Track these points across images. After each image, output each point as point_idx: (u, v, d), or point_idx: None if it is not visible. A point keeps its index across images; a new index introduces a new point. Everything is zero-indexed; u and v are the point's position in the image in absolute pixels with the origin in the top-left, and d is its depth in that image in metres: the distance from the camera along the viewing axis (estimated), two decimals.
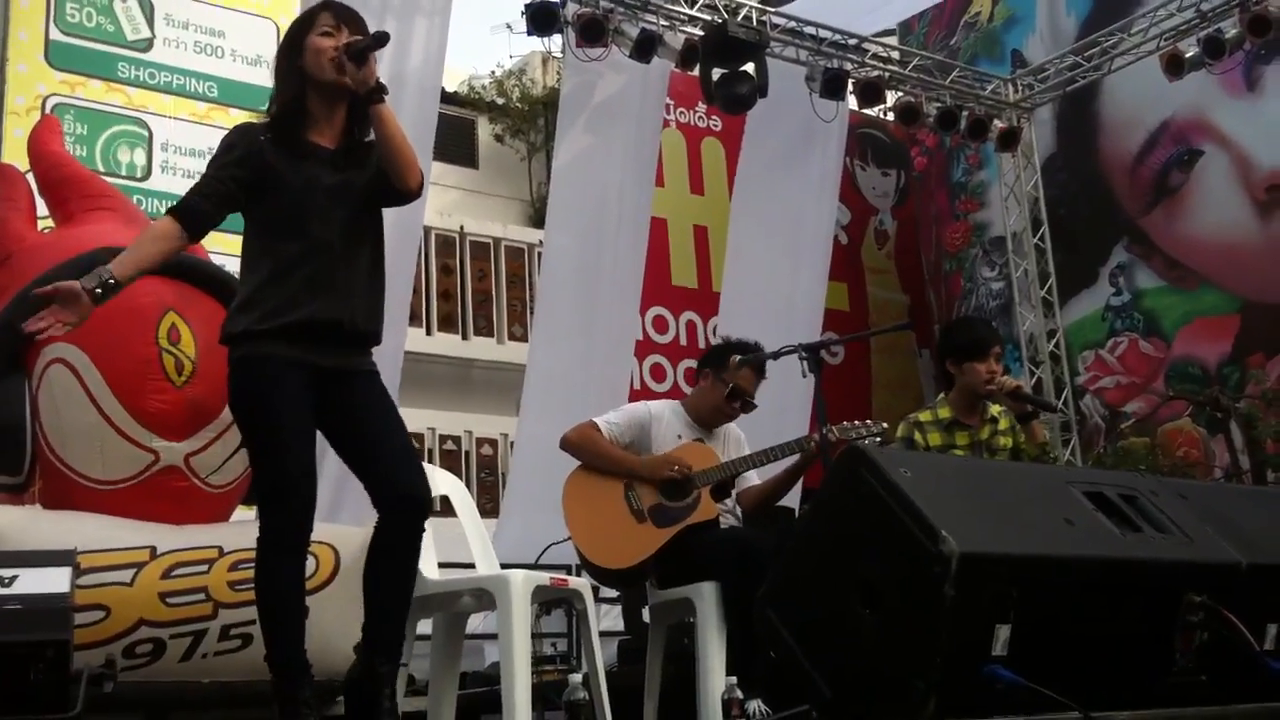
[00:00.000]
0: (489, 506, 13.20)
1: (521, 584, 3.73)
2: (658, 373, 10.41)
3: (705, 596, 4.16)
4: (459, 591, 3.94)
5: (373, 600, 3.33)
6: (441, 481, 4.40)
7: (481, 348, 13.97)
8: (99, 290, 3.15)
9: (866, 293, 12.51)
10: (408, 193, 3.37)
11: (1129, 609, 2.24)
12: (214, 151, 3.40)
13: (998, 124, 9.52)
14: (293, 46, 3.39)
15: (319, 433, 3.36)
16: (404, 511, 3.30)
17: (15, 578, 3.18)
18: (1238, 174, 10.36)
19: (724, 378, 4.68)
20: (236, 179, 3.30)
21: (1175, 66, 8.57)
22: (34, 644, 3.07)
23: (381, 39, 3.35)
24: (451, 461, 12.61)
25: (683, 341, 10.81)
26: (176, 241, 3.35)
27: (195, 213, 3.33)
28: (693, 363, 10.71)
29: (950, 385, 4.96)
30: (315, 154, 3.34)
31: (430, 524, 3.53)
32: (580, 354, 8.03)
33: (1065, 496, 2.36)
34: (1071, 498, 2.36)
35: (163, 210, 9.14)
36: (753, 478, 4.73)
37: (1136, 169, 11.04)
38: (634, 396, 8.56)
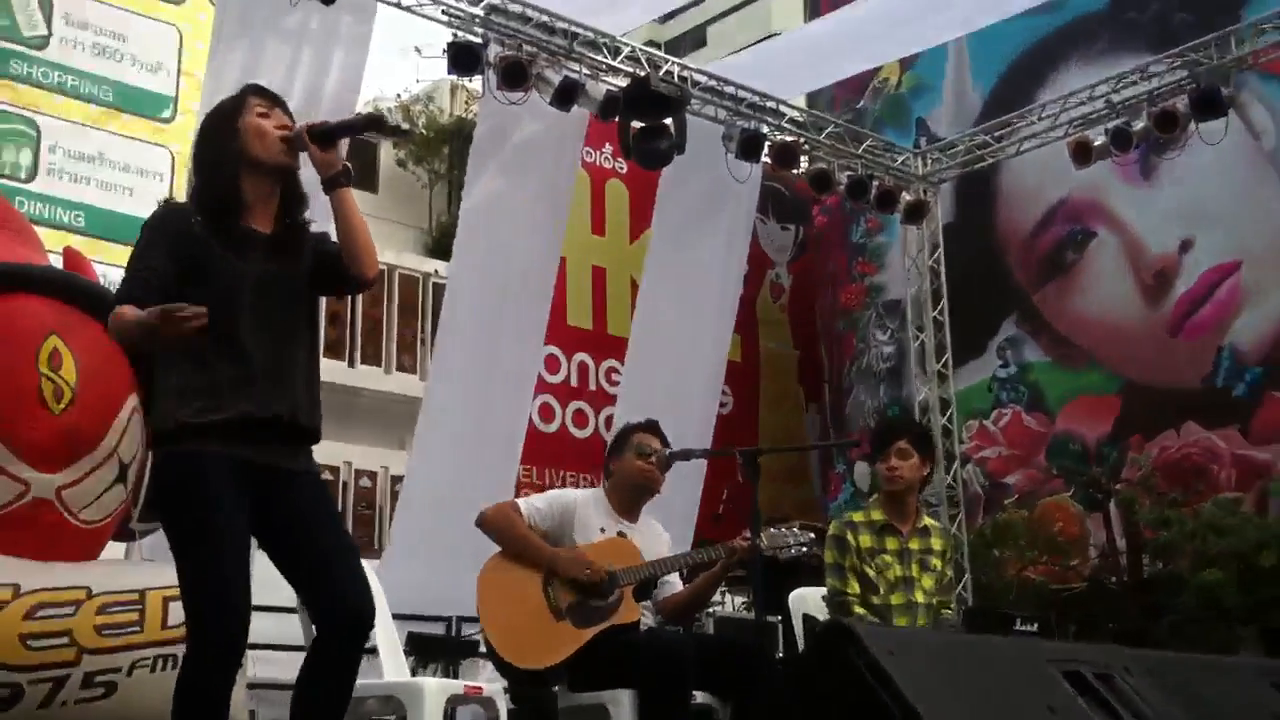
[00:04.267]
0: (364, 540, 12.95)
1: (436, 693, 3.56)
2: (546, 412, 10.32)
3: (622, 704, 4.01)
4: (365, 696, 3.75)
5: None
6: None
7: (368, 376, 13.75)
8: None
9: (759, 344, 12.58)
10: (364, 281, 3.22)
11: None
12: (139, 239, 3.12)
13: (906, 196, 9.61)
14: (222, 131, 3.20)
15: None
16: (349, 632, 3.08)
17: None
18: (1128, 257, 10.65)
19: (630, 449, 4.60)
20: (170, 268, 3.04)
21: (1083, 154, 8.75)
22: None
23: (360, 124, 3.26)
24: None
25: (574, 382, 10.74)
26: None
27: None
28: (582, 404, 10.83)
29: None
30: (250, 240, 3.14)
31: None
32: (479, 394, 7.92)
33: (1045, 678, 2.33)
34: (1051, 679, 2.33)
35: (46, 213, 8.84)
36: (674, 582, 4.62)
37: (1031, 244, 11.29)
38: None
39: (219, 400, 3.02)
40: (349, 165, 3.17)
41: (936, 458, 5.22)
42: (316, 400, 3.21)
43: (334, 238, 3.27)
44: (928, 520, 4.88)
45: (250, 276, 3.10)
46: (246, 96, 3.24)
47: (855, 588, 4.63)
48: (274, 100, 3.26)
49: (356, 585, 3.09)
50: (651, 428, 4.73)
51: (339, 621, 3.06)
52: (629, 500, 4.61)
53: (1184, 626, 8.31)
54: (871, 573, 4.64)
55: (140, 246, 3.11)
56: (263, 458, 3.07)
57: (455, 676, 6.59)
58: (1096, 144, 8.74)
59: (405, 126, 3.75)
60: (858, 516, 4.80)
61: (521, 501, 4.50)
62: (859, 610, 4.57)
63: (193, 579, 3.01)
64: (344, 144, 3.21)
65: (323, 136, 3.14)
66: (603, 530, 4.46)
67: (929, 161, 10.13)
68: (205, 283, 3.05)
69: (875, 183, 9.41)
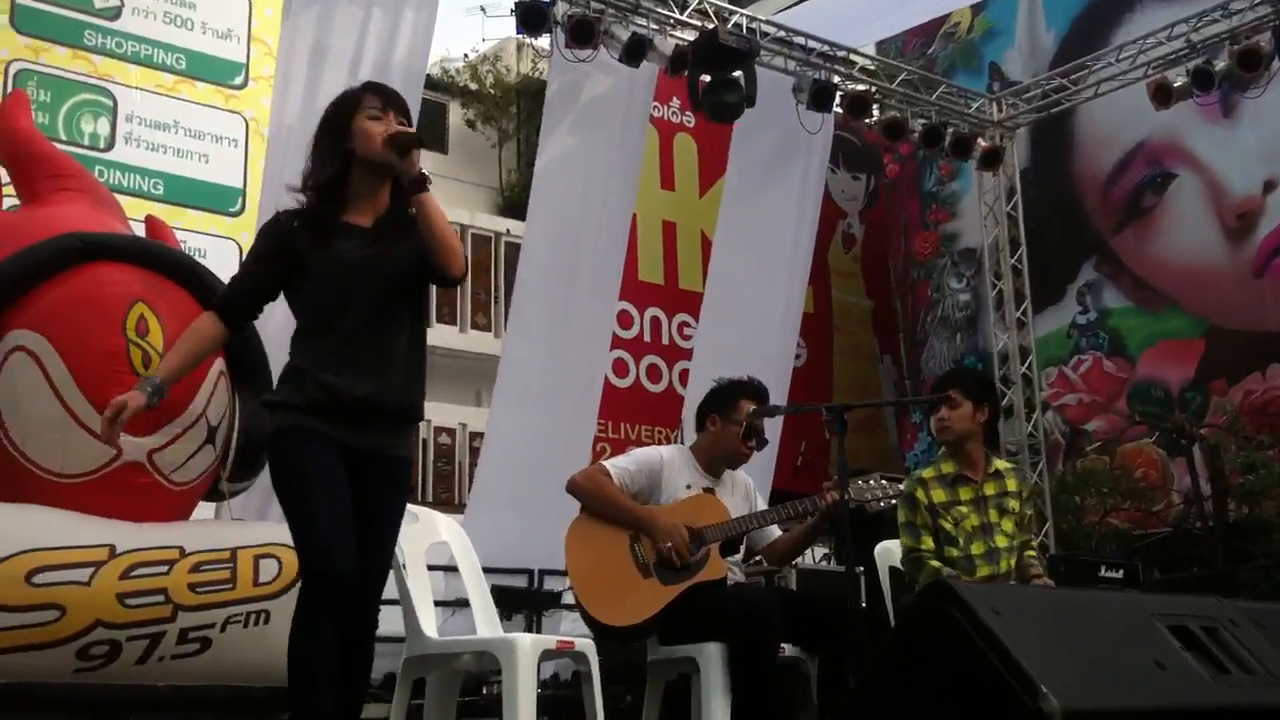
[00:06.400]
0: (445, 496, 13.09)
1: (530, 648, 3.61)
2: (620, 368, 10.35)
3: (711, 657, 4.03)
4: (459, 653, 3.81)
5: None
6: (443, 528, 4.26)
7: (443, 335, 13.80)
8: (155, 397, 3.25)
9: (831, 296, 12.51)
10: (450, 279, 3.33)
11: None
12: (249, 244, 3.49)
13: (981, 143, 9.47)
14: (337, 129, 3.38)
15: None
16: (353, 645, 3.17)
17: None
18: (1209, 199, 10.42)
19: (736, 419, 4.57)
20: (269, 272, 3.34)
21: (1163, 95, 8.55)
22: None
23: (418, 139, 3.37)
24: None
25: (647, 337, 10.75)
26: (218, 338, 3.40)
27: (234, 308, 3.38)
28: (656, 359, 10.83)
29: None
30: (348, 232, 3.32)
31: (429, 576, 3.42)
32: (556, 350, 7.95)
33: (1151, 632, 2.32)
34: (1157, 634, 2.32)
35: (125, 182, 8.98)
36: (773, 530, 4.62)
37: (1109, 188, 11.09)
38: None
39: (319, 383, 3.18)
40: (424, 173, 3.27)
41: (997, 402, 5.14)
42: (413, 385, 3.32)
43: None
44: (999, 464, 4.83)
45: (344, 264, 3.25)
46: (364, 95, 3.41)
47: (929, 543, 4.61)
48: (389, 101, 3.38)
49: (374, 597, 3.23)
50: (763, 400, 4.68)
51: (350, 631, 3.14)
52: (717, 463, 4.61)
53: (1271, 571, 8.19)
54: (949, 526, 4.60)
55: (246, 254, 3.48)
56: (358, 441, 3.22)
57: (538, 628, 6.68)
58: (1177, 85, 8.52)
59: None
60: (928, 473, 4.76)
61: (609, 464, 4.48)
62: (933, 564, 4.56)
63: (298, 536, 3.17)
64: (419, 153, 3.30)
65: (398, 146, 3.28)
66: (689, 487, 4.46)
67: (1004, 107, 9.97)
68: (307, 273, 3.27)
69: (950, 130, 9.28)
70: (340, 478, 3.16)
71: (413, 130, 3.35)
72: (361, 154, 3.31)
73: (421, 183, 3.25)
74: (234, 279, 3.44)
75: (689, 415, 5.62)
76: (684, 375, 10.04)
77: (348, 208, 3.34)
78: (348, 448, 3.20)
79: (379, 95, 3.39)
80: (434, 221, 3.23)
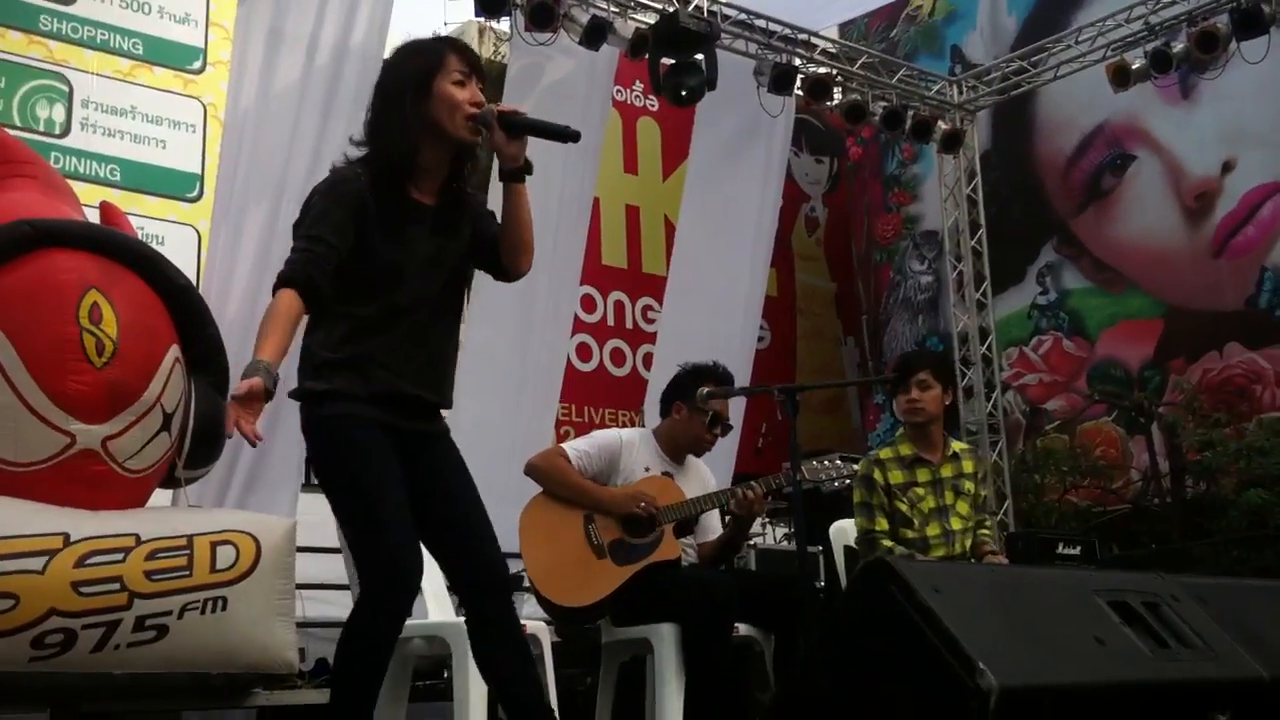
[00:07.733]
0: None
1: None
2: (583, 352, 10.34)
3: (665, 638, 4.07)
4: (409, 637, 3.80)
5: (502, 684, 3.15)
6: None
7: None
8: (271, 387, 2.88)
9: (794, 278, 12.54)
10: (517, 275, 3.20)
11: None
12: (311, 206, 3.09)
13: (942, 125, 9.51)
14: (417, 86, 3.06)
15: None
16: (492, 595, 3.12)
17: None
18: (1169, 180, 10.51)
19: (701, 406, 4.57)
20: (345, 244, 3.02)
21: (1122, 77, 8.63)
22: None
23: (568, 136, 3.12)
24: None
25: (610, 321, 10.75)
26: (300, 317, 3.04)
27: (316, 290, 3.01)
28: (619, 343, 10.84)
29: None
30: (416, 215, 3.10)
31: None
32: (518, 334, 7.96)
33: (1091, 608, 2.34)
34: (1098, 610, 2.34)
35: (81, 168, 8.86)
36: (715, 526, 4.63)
37: (1069, 170, 11.16)
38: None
39: (377, 375, 3.03)
40: (530, 160, 3.07)
41: (958, 386, 5.19)
42: (453, 375, 3.25)
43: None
44: (957, 446, 4.87)
45: (415, 256, 3.07)
46: (447, 55, 3.09)
47: (883, 524, 4.64)
48: (473, 65, 3.11)
49: (492, 546, 3.15)
50: (728, 389, 4.70)
51: (479, 588, 3.11)
52: (679, 449, 4.63)
53: (1228, 547, 8.29)
54: (904, 507, 4.64)
55: (312, 216, 3.05)
56: (405, 424, 3.09)
57: None
58: (1135, 66, 8.62)
59: (576, 131, 3.57)
60: (885, 453, 4.79)
61: (568, 447, 4.52)
62: (887, 544, 4.59)
63: (359, 535, 3.06)
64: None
65: (512, 127, 3.02)
66: (647, 470, 4.49)
67: (965, 90, 10.02)
68: (370, 258, 3.03)
69: (911, 113, 9.32)
70: (399, 474, 3.03)
71: (524, 113, 3.06)
72: (444, 127, 3.04)
73: (524, 172, 3.04)
74: (310, 251, 3.00)
75: (652, 398, 5.64)
76: (648, 359, 10.06)
77: (413, 180, 3.09)
78: (393, 429, 3.06)
79: (464, 58, 3.09)
80: (524, 214, 3.08)
